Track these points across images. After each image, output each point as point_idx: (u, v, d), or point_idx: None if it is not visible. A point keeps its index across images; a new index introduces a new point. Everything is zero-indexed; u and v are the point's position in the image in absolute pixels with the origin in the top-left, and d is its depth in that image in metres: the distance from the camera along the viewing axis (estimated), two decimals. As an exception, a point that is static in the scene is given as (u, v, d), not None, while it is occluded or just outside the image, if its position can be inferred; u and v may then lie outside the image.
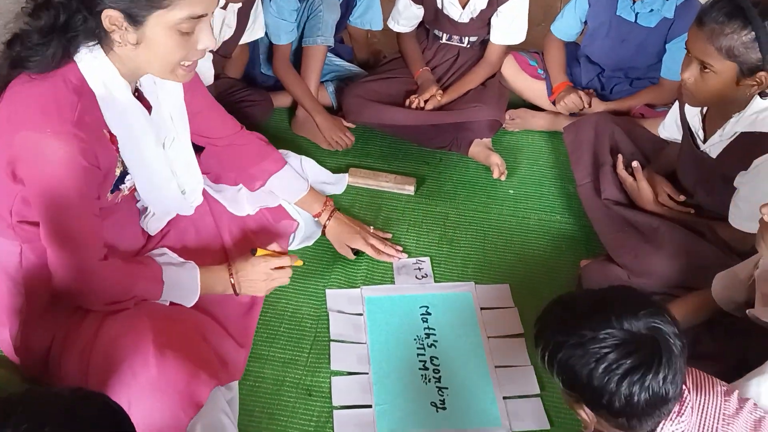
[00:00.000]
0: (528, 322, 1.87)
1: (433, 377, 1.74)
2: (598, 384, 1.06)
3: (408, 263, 2.00)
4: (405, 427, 1.64)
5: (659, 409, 1.07)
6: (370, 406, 1.67)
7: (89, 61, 1.35)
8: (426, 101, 2.32)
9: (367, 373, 1.74)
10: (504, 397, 1.70)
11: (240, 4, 2.09)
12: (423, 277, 1.97)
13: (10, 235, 1.48)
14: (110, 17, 1.29)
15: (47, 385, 1.54)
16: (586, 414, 1.13)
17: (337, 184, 2.19)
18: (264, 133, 2.01)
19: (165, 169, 1.57)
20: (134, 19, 1.29)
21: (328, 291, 1.90)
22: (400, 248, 2.01)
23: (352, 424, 1.64)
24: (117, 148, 1.45)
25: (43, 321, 1.51)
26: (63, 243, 1.39)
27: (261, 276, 1.68)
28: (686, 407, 1.13)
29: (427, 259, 2.02)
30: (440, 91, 2.34)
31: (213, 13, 1.38)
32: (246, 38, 2.26)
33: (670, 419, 1.12)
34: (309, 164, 2.07)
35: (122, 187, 1.54)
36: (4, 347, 1.59)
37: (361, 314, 1.87)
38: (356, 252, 1.98)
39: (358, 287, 1.93)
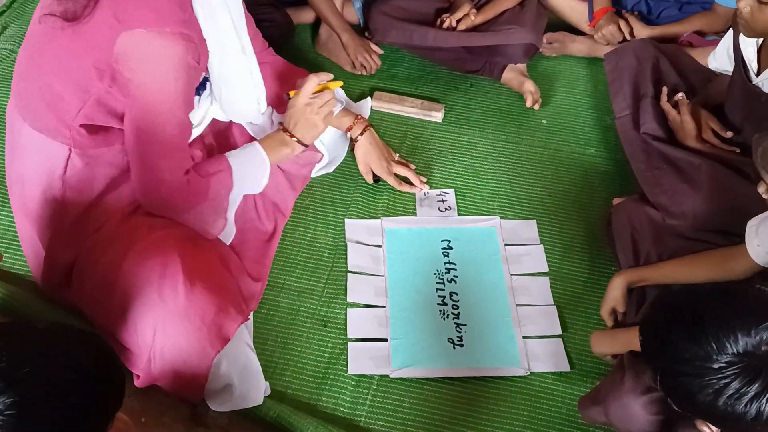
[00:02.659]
0: (554, 260, 1.81)
1: (452, 313, 1.69)
2: (722, 412, 0.97)
3: (431, 194, 1.93)
4: (420, 362, 1.61)
5: None
6: (385, 340, 1.64)
7: None
8: (458, 21, 2.18)
9: (384, 307, 1.70)
10: (524, 337, 1.66)
11: None
12: (446, 209, 1.90)
13: (64, 138, 1.43)
14: None
15: (67, 306, 1.55)
16: (709, 429, 1.06)
17: (360, 111, 2.06)
18: (284, 52, 1.92)
19: (248, 76, 1.55)
20: None
21: (347, 221, 1.84)
22: (424, 179, 1.93)
23: (366, 357, 1.62)
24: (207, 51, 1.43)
25: (70, 236, 1.48)
26: (156, 145, 1.39)
27: (306, 109, 1.63)
28: None
29: (451, 191, 1.94)
30: (474, 11, 2.19)
31: None
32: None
33: None
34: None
35: (201, 94, 1.50)
36: (30, 259, 1.58)
37: (380, 246, 1.81)
38: (376, 179, 1.90)
39: (379, 218, 1.86)
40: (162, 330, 1.35)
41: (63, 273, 1.51)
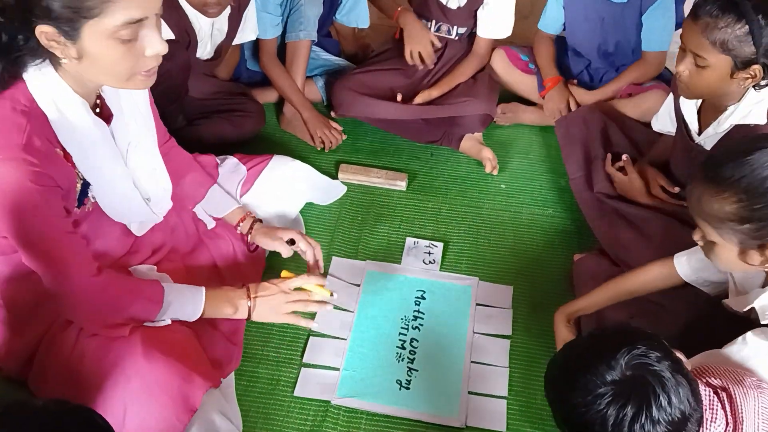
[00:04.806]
0: (520, 324, 1.85)
1: (408, 357, 1.76)
2: None
3: (420, 245, 2.02)
4: (365, 395, 1.67)
5: (686, 428, 1.07)
6: (337, 369, 1.71)
7: (38, 79, 1.28)
8: (416, 95, 2.30)
9: (345, 339, 1.78)
10: (469, 392, 1.70)
11: (229, 9, 2.07)
12: (430, 263, 1.98)
13: None
14: (45, 33, 1.21)
15: (30, 389, 1.51)
16: None
17: (331, 193, 2.14)
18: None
19: (126, 182, 1.51)
20: (68, 33, 1.21)
21: (333, 258, 1.96)
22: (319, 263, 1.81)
23: (314, 382, 1.70)
24: (73, 164, 1.39)
25: (27, 327, 1.48)
26: (46, 265, 1.35)
27: (281, 297, 1.60)
28: (717, 411, 1.13)
29: (440, 245, 2.03)
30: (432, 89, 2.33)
31: (157, 15, 1.26)
32: (237, 40, 2.24)
33: (706, 427, 1.12)
34: (303, 168, 2.03)
35: (89, 197, 1.48)
36: None
37: (358, 285, 1.90)
38: (291, 242, 1.83)
39: (364, 260, 1.97)
40: (131, 408, 1.35)
41: (24, 364, 1.50)
